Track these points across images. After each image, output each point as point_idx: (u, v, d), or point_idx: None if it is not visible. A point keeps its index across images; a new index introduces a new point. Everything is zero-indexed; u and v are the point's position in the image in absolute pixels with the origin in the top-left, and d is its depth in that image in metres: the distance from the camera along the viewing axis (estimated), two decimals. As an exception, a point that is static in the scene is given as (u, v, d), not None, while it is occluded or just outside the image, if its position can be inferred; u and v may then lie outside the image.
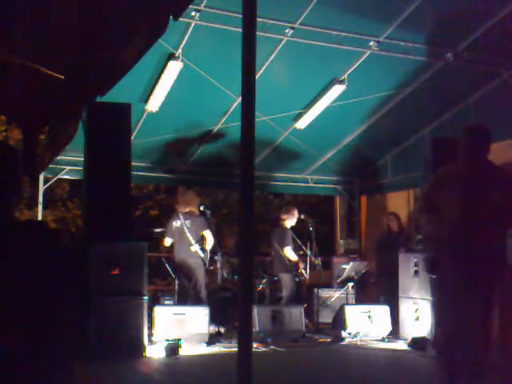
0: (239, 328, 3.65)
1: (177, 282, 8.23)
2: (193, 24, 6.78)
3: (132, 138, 7.62)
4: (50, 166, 9.22)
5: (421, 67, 8.02)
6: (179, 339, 6.70)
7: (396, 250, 8.25)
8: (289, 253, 8.82)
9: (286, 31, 7.10)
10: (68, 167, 9.32)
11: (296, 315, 7.81)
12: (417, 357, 6.88)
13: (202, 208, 8.83)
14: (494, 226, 4.05)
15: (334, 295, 9.16)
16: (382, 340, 7.67)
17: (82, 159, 7.46)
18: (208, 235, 8.34)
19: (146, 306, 6.58)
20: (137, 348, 6.45)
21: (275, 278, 8.96)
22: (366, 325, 7.71)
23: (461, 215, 4.07)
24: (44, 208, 10.26)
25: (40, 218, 9.52)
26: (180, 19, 5.39)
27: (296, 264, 8.93)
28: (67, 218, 15.21)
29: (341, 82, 8.07)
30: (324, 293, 9.20)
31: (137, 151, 8.24)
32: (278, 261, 8.88)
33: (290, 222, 8.98)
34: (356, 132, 9.65)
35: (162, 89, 7.70)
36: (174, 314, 7.12)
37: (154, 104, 8.02)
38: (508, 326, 4.97)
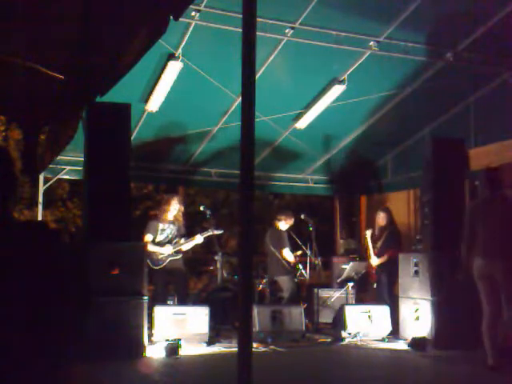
0: (239, 328, 3.65)
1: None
2: (193, 24, 6.77)
3: (132, 138, 7.62)
4: (50, 166, 9.21)
5: (421, 67, 8.02)
6: (179, 339, 6.70)
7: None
8: (287, 254, 8.81)
9: (286, 31, 7.10)
10: (68, 167, 9.32)
11: (296, 315, 7.81)
12: (417, 357, 6.88)
13: (202, 208, 8.83)
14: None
15: (333, 295, 9.16)
16: (382, 340, 7.67)
17: (82, 159, 7.45)
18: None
19: (145, 306, 6.58)
20: (137, 348, 6.45)
21: (275, 278, 8.96)
22: (365, 325, 7.71)
23: (487, 232, 5.95)
24: (44, 208, 10.26)
25: (40, 217, 9.52)
26: (180, 19, 5.39)
27: (294, 264, 8.91)
28: (67, 218, 15.21)
29: (341, 82, 8.06)
30: (324, 293, 9.20)
31: (137, 151, 8.24)
32: (276, 264, 8.83)
33: (285, 224, 8.97)
34: (356, 132, 9.65)
35: (162, 89, 7.70)
36: (174, 314, 7.13)
37: (154, 104, 8.02)
38: None
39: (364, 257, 9.43)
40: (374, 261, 8.71)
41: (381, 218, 8.94)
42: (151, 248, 7.99)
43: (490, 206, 6.11)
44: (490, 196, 6.16)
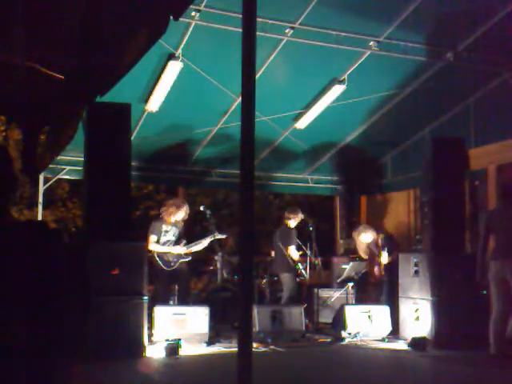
0: (239, 328, 3.66)
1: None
2: (193, 24, 6.77)
3: (132, 138, 7.62)
4: (50, 166, 9.21)
5: (421, 67, 8.02)
6: (179, 339, 6.70)
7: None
8: (292, 252, 8.82)
9: (286, 31, 7.09)
10: (68, 167, 9.32)
11: (296, 315, 7.81)
12: (417, 357, 6.88)
13: (202, 208, 8.82)
14: None
15: (333, 295, 9.16)
16: (382, 340, 7.67)
17: (82, 159, 7.45)
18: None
19: (145, 306, 6.58)
20: (137, 348, 6.45)
21: (275, 278, 8.96)
22: (366, 325, 7.71)
23: (501, 235, 6.50)
24: (44, 208, 10.25)
25: (40, 217, 9.52)
26: (180, 19, 5.39)
27: (296, 263, 8.92)
28: (67, 218, 15.19)
29: (341, 82, 8.06)
30: (324, 293, 9.20)
31: (137, 151, 8.24)
32: (281, 260, 8.85)
33: (294, 222, 9.00)
34: (356, 132, 9.65)
35: (162, 89, 7.70)
36: (174, 314, 7.12)
37: (154, 104, 8.02)
38: None
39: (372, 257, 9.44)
40: (385, 259, 8.73)
41: (367, 237, 9.02)
42: (162, 249, 7.98)
43: (505, 213, 6.61)
44: (506, 204, 6.67)
